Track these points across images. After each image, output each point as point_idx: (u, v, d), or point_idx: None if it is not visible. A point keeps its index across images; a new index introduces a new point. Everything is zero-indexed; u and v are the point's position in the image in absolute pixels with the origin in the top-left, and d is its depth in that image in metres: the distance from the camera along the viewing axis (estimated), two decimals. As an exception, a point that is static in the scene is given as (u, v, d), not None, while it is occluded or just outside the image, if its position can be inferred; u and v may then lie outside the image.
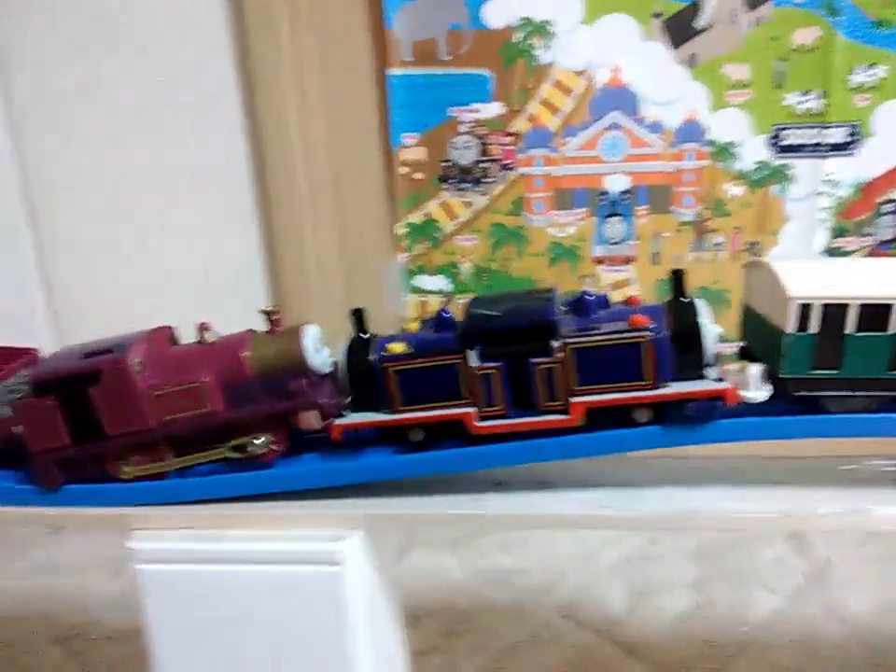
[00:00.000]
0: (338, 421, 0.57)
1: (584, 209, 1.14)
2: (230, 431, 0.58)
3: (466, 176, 1.13)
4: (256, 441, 0.57)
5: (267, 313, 0.59)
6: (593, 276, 1.17)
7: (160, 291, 1.22)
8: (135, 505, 0.59)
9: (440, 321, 0.58)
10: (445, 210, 1.15)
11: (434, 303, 1.20)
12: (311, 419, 0.56)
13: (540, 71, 1.08)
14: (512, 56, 1.07)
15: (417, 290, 1.20)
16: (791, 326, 0.52)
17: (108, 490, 0.60)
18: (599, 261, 1.17)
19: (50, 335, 1.27)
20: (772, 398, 0.56)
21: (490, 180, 1.13)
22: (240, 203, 1.18)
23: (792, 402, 0.54)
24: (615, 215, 1.14)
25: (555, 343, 0.54)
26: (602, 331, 0.54)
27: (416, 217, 1.16)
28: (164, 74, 1.14)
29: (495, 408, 0.55)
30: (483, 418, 0.55)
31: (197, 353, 0.59)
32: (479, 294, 0.63)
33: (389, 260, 1.18)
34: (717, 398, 0.53)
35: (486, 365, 0.55)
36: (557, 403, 0.55)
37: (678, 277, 0.55)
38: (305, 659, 0.56)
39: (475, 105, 1.09)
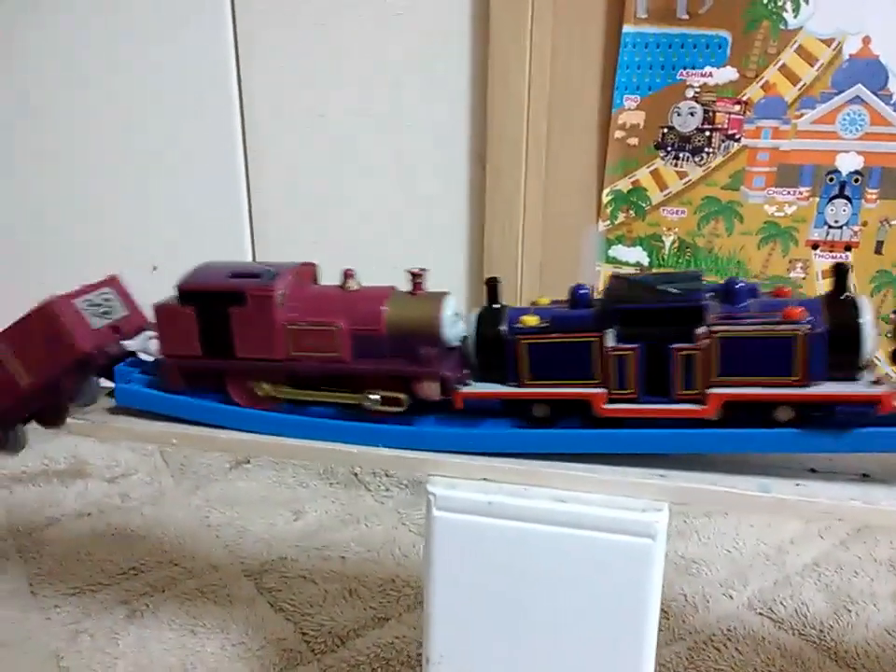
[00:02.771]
0: (462, 389, 0.57)
1: (808, 188, 1.07)
2: (348, 381, 0.59)
3: (684, 145, 1.07)
4: (372, 397, 0.57)
5: (412, 274, 0.59)
6: (804, 261, 1.10)
7: (358, 237, 1.21)
8: (249, 431, 0.61)
9: (575, 297, 0.56)
10: (656, 179, 1.10)
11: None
12: (431, 389, 0.57)
13: (785, 36, 1.01)
14: (758, 18, 1.00)
15: (613, 261, 1.15)
16: None
17: (226, 411, 0.62)
18: (814, 246, 1.10)
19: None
20: None
21: (709, 150, 1.07)
22: (455, 149, 1.16)
23: None
24: (842, 197, 1.06)
25: (700, 330, 0.51)
26: (753, 321, 0.51)
27: (623, 185, 1.11)
28: (396, 24, 1.12)
29: (626, 391, 0.54)
30: (612, 401, 0.54)
31: (337, 297, 0.59)
32: (620, 273, 0.61)
33: (589, 227, 1.14)
34: (871, 403, 0.49)
35: (623, 346, 0.53)
36: (693, 392, 0.52)
37: (841, 272, 0.52)
38: (595, 630, 0.53)
39: (707, 69, 1.03)
